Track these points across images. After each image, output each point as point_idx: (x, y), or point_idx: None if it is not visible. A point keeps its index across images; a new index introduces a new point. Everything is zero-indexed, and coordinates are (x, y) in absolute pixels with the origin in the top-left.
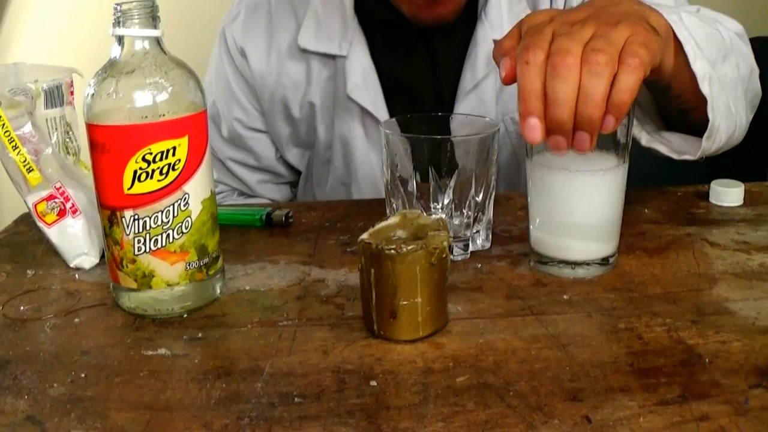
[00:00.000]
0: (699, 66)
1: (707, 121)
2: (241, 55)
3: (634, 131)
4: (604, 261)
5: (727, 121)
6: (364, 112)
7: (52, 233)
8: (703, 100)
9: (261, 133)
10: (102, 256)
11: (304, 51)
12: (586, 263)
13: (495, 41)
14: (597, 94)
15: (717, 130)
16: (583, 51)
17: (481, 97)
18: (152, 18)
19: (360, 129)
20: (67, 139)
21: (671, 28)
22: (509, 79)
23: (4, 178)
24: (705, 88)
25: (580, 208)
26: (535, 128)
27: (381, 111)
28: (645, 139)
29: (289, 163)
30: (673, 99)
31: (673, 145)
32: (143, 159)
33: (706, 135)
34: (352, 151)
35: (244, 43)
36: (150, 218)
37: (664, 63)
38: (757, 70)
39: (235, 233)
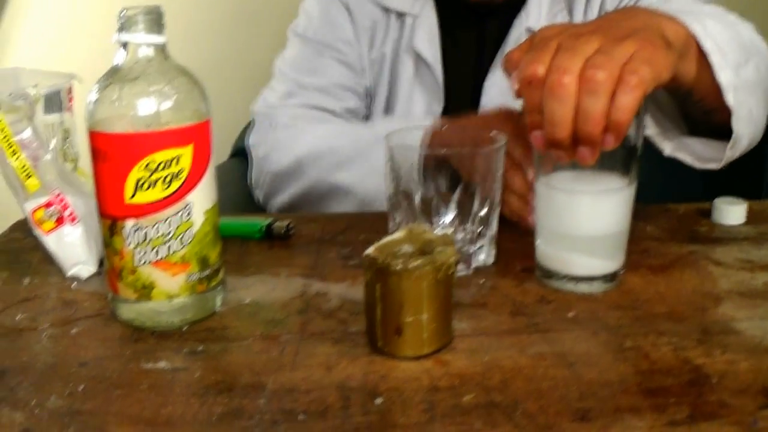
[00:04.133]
0: (724, 76)
1: (728, 124)
2: None
3: (656, 141)
4: (609, 277)
5: (749, 127)
6: (422, 65)
7: (50, 241)
8: (727, 107)
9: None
10: (100, 265)
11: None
12: (590, 278)
13: (527, 29)
14: (595, 112)
15: (740, 138)
16: (583, 67)
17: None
18: (157, 24)
19: (413, 77)
20: (66, 146)
21: (694, 37)
22: (519, 94)
23: None
24: (730, 98)
25: (583, 227)
26: (538, 139)
27: (438, 67)
28: (668, 148)
29: None
30: (696, 103)
31: (696, 153)
32: (146, 168)
33: (729, 145)
34: (396, 100)
35: None
36: (151, 228)
37: (683, 72)
38: None
39: (235, 244)
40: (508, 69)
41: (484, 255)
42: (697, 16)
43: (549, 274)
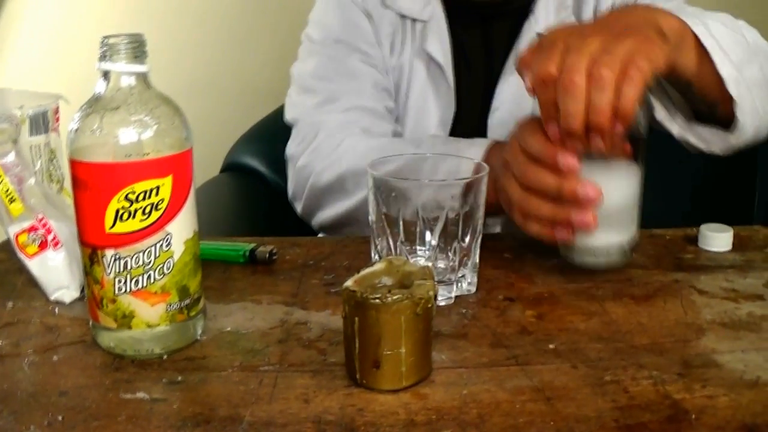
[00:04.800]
0: (726, 70)
1: (733, 116)
2: None
3: (665, 123)
4: (622, 250)
5: (753, 119)
6: (435, 68)
7: (33, 265)
8: (728, 99)
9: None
10: (82, 290)
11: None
12: (607, 251)
13: (538, 34)
14: (603, 105)
15: (743, 127)
16: (590, 65)
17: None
18: (140, 53)
19: (426, 80)
20: (51, 167)
21: (692, 33)
22: (533, 92)
23: None
24: (732, 89)
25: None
26: (554, 131)
27: (449, 71)
28: (676, 129)
29: None
30: (699, 95)
31: (702, 137)
32: (126, 198)
33: (732, 132)
34: (408, 103)
35: None
36: (131, 258)
37: (681, 64)
38: None
39: (218, 269)
40: (521, 70)
41: (466, 283)
42: (700, 17)
43: (571, 249)
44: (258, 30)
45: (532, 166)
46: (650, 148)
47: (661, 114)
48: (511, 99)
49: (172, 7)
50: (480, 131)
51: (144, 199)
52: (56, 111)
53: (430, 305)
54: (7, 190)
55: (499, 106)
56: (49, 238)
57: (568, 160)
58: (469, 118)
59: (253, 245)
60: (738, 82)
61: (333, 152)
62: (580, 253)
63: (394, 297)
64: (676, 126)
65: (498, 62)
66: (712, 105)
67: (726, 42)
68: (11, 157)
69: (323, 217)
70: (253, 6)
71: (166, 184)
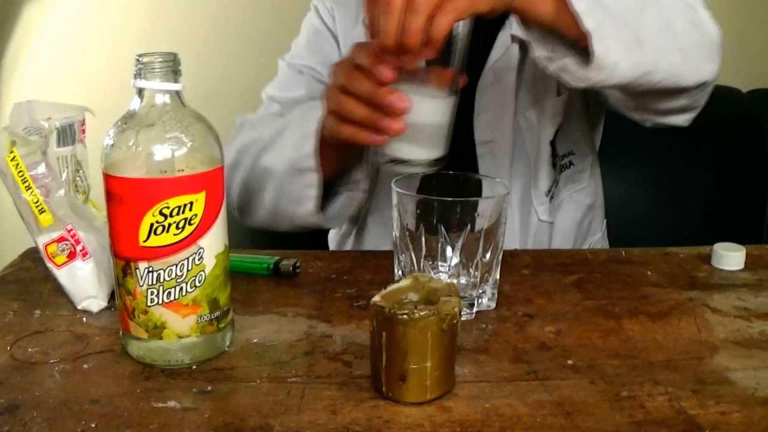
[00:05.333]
0: (578, 5)
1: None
2: (331, 15)
3: (542, 63)
4: (428, 163)
5: (633, 56)
6: None
7: (61, 275)
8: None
9: None
10: (109, 300)
11: None
12: (413, 162)
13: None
14: (413, 28)
15: (605, 63)
16: None
17: (503, 86)
18: (173, 71)
19: None
20: (77, 178)
21: None
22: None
23: (6, 212)
24: (588, 23)
25: (410, 117)
26: (374, 46)
27: None
28: (552, 68)
29: None
30: (558, 31)
31: (565, 69)
32: (160, 213)
33: (593, 65)
34: None
35: (334, 4)
36: (164, 271)
37: (531, 9)
38: (706, 25)
39: (243, 281)
40: None
41: (487, 299)
42: None
43: (382, 155)
44: (274, 39)
45: (354, 72)
46: (661, 165)
47: (539, 52)
48: (492, 105)
49: (188, 16)
50: (467, 136)
51: (178, 214)
52: (82, 123)
53: (455, 321)
54: (37, 201)
55: (481, 113)
56: (78, 248)
57: (383, 70)
58: (455, 123)
59: (276, 258)
60: (602, 21)
61: (236, 136)
62: (386, 160)
63: (422, 313)
64: (552, 65)
65: (476, 71)
66: (575, 41)
67: None
68: (41, 169)
69: (232, 194)
70: (269, 16)
71: (199, 200)
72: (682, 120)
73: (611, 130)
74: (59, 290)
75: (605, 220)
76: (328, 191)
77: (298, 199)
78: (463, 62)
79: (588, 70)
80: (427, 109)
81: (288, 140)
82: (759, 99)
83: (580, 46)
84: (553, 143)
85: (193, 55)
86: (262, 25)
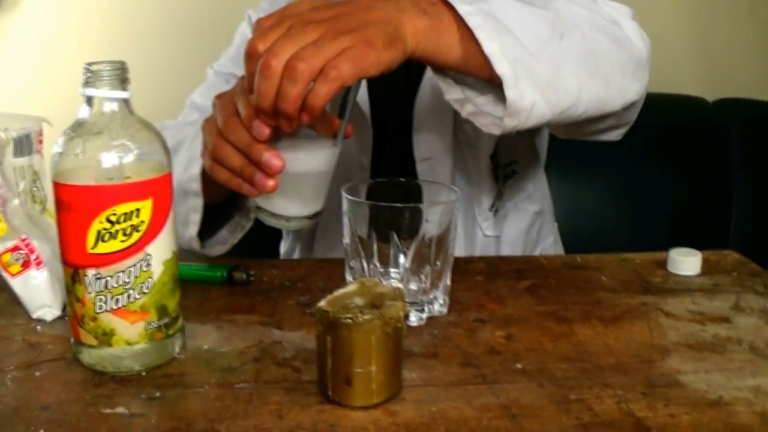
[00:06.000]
0: (490, 48)
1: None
2: None
3: (457, 106)
4: (300, 219)
5: (550, 95)
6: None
7: (16, 284)
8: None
9: None
10: (64, 309)
11: None
12: (286, 217)
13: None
14: (290, 96)
15: (524, 106)
16: (291, 56)
17: (441, 102)
18: (122, 80)
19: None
20: (34, 188)
21: (462, 20)
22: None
23: None
24: (503, 67)
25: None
26: (249, 104)
27: (365, 98)
28: (466, 112)
29: None
30: (469, 74)
31: (481, 111)
32: (107, 220)
33: (506, 111)
34: None
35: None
36: (112, 278)
37: (435, 55)
38: (633, 42)
39: (197, 289)
40: (254, 30)
41: (438, 305)
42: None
43: (255, 207)
44: None
45: (232, 119)
46: (628, 174)
47: (453, 95)
48: (432, 113)
49: (154, 29)
50: (405, 152)
51: (125, 221)
52: (40, 133)
53: (400, 325)
54: None
55: (420, 126)
56: (32, 257)
57: (259, 128)
58: (391, 140)
59: (230, 267)
60: (514, 60)
61: None
62: (260, 212)
63: (365, 317)
64: (467, 108)
65: (411, 91)
66: (488, 80)
67: (515, 18)
68: None
69: None
70: (233, 29)
71: (146, 207)
72: (613, 136)
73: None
74: (16, 299)
75: (556, 224)
76: (224, 213)
77: (184, 221)
78: (351, 111)
79: (503, 113)
80: (307, 161)
81: (180, 159)
82: (724, 108)
83: (494, 84)
84: (494, 157)
85: (158, 67)
86: (226, 40)
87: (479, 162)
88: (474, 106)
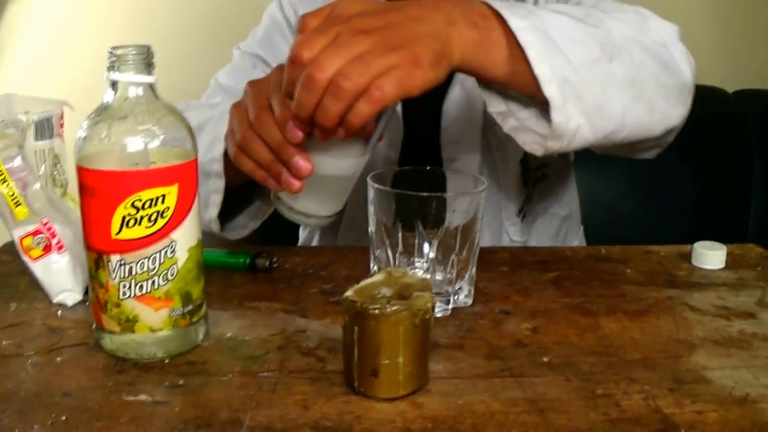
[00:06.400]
0: (539, 69)
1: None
2: (293, 9)
3: (498, 119)
4: (320, 218)
5: (595, 120)
6: None
7: (37, 268)
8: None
9: None
10: (85, 293)
11: None
12: (306, 215)
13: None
14: (330, 111)
15: (569, 130)
16: (336, 72)
17: (471, 102)
18: (147, 64)
19: None
20: (55, 172)
21: (513, 35)
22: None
23: None
24: (552, 89)
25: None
26: (286, 108)
27: None
28: (507, 127)
29: None
30: (514, 90)
31: (524, 126)
32: (132, 205)
33: (551, 134)
34: None
35: (297, 5)
36: (136, 264)
37: (481, 70)
38: (680, 66)
39: (219, 276)
40: (299, 29)
41: (463, 296)
42: (541, 11)
43: (277, 199)
44: None
45: (266, 114)
46: (646, 164)
47: (495, 108)
48: (461, 115)
49: (176, 13)
50: (433, 155)
51: (150, 206)
52: (61, 117)
53: (428, 316)
54: (13, 194)
55: (449, 126)
56: (53, 241)
57: (294, 132)
58: (420, 138)
59: (253, 253)
60: (568, 82)
61: None
62: (280, 204)
63: (393, 308)
64: (510, 123)
65: (441, 90)
66: (533, 95)
67: (567, 38)
68: (17, 162)
69: None
70: (257, 14)
71: (171, 193)
72: (648, 155)
73: None
74: (35, 284)
75: (582, 227)
76: (245, 196)
77: (205, 202)
78: (387, 123)
79: (546, 130)
80: (336, 166)
81: (202, 139)
82: (744, 99)
83: (538, 99)
84: (524, 161)
85: (179, 51)
86: (250, 23)
87: (508, 166)
88: (516, 120)
